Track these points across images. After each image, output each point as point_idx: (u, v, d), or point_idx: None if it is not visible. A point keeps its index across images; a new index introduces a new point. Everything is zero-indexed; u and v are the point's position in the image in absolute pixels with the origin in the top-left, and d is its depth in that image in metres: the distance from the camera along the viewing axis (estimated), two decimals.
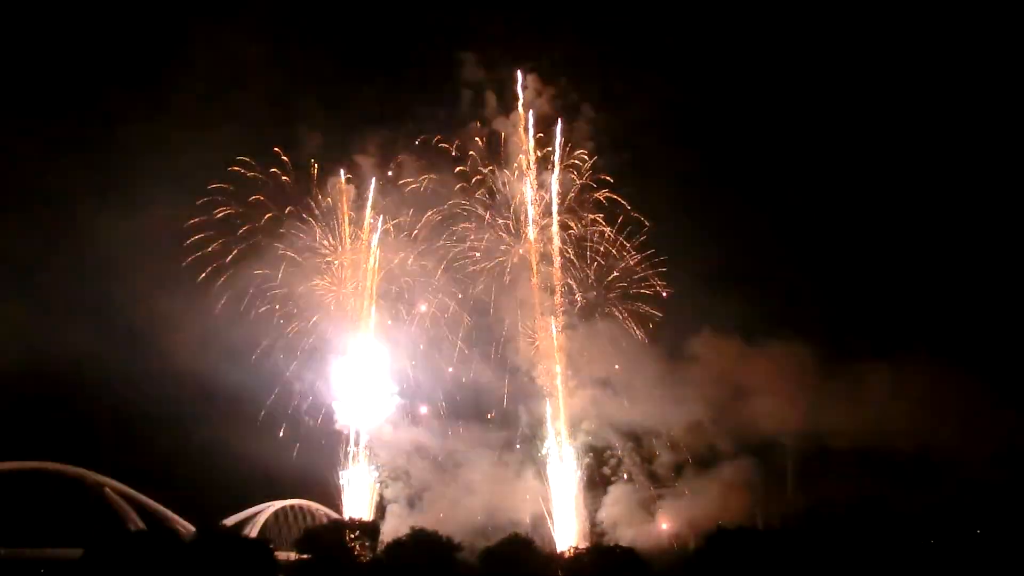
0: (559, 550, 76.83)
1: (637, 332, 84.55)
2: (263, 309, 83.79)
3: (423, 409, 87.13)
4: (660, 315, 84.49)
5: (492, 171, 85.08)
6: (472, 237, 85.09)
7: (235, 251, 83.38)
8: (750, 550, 64.42)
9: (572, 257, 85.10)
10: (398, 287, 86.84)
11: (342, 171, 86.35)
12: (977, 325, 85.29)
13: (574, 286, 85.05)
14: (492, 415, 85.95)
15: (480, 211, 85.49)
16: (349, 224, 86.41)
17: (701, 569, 66.70)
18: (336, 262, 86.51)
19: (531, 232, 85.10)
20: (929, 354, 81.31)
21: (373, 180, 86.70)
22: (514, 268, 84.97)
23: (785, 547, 65.81)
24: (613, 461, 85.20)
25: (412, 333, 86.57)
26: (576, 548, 73.48)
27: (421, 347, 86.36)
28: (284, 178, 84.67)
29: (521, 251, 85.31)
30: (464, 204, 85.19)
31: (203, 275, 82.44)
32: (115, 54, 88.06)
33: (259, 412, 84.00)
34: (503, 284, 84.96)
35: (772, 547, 65.40)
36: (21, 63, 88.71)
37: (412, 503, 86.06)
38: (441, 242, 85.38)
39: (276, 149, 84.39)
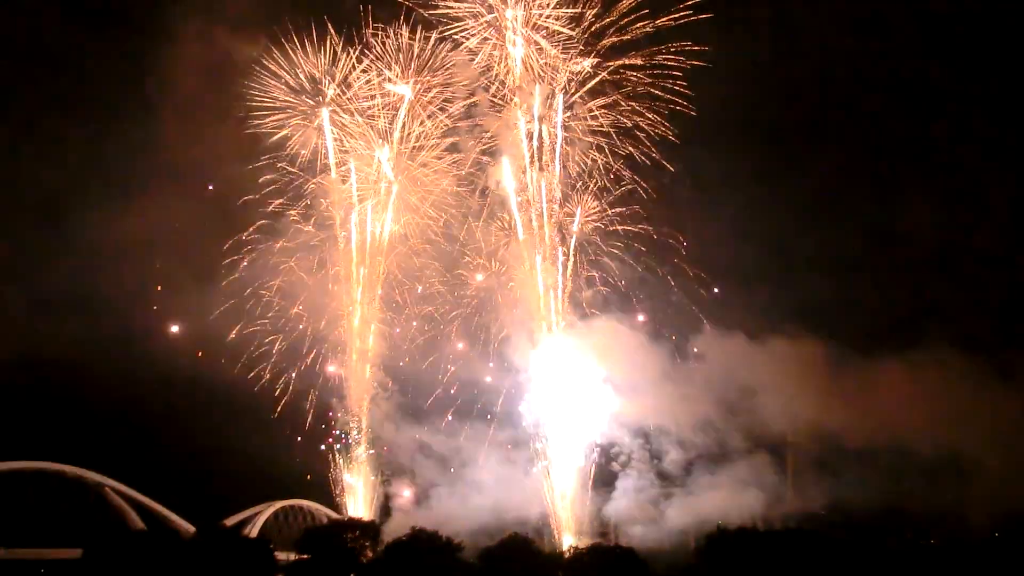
0: (560, 549, 76.95)
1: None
2: (263, 306, 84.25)
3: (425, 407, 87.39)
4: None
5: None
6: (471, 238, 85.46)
7: (234, 248, 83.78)
8: (750, 550, 64.49)
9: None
10: (398, 285, 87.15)
11: (335, 167, 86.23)
12: (996, 318, 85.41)
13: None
14: (496, 413, 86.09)
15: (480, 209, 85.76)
16: (344, 222, 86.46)
17: (700, 569, 66.78)
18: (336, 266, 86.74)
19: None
20: (945, 349, 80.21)
21: (374, 173, 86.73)
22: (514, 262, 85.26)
23: (785, 547, 65.76)
24: (622, 458, 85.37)
25: (413, 331, 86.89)
26: (576, 548, 73.57)
27: (421, 342, 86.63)
28: (281, 173, 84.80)
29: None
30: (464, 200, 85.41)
31: (202, 274, 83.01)
32: (111, 50, 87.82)
33: (259, 411, 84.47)
34: (504, 280, 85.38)
35: (772, 547, 65.39)
36: (16, 60, 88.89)
37: (419, 501, 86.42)
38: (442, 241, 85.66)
39: (272, 145, 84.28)
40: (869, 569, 65.96)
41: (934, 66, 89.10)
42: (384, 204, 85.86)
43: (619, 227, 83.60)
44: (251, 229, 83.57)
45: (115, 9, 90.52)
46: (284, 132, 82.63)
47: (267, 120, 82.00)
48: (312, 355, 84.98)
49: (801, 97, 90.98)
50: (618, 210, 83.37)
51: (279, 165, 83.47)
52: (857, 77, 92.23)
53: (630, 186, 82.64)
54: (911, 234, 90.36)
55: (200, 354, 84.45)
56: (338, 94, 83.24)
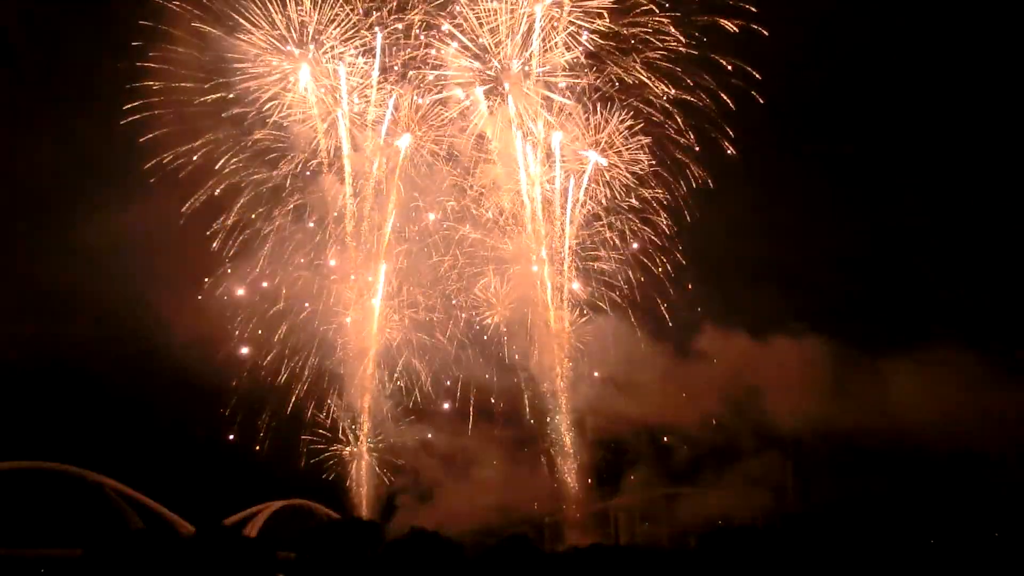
0: (562, 548, 76.89)
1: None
2: (262, 307, 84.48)
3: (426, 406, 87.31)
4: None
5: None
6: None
7: (233, 245, 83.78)
8: (751, 548, 64.37)
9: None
10: (398, 282, 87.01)
11: (324, 168, 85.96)
12: (1004, 317, 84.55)
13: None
14: (500, 411, 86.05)
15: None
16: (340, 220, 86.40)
17: (700, 567, 66.66)
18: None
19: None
20: (953, 347, 79.71)
21: (372, 173, 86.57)
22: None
23: (787, 545, 65.67)
24: (628, 456, 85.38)
25: (413, 329, 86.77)
26: (576, 546, 73.45)
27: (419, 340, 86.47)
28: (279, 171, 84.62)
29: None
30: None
31: (202, 272, 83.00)
32: (109, 45, 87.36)
33: (259, 411, 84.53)
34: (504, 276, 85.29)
35: (774, 545, 65.28)
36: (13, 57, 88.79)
37: (423, 499, 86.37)
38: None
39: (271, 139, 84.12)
40: (872, 568, 65.85)
41: (941, 64, 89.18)
42: (383, 204, 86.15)
43: (622, 225, 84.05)
44: (247, 231, 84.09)
45: None
46: (281, 132, 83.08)
47: (263, 120, 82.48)
48: (313, 355, 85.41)
49: (806, 94, 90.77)
50: (620, 215, 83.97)
51: (277, 171, 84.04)
52: (864, 74, 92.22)
53: (635, 186, 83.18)
54: (918, 231, 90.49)
55: (201, 353, 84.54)
56: (336, 95, 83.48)
